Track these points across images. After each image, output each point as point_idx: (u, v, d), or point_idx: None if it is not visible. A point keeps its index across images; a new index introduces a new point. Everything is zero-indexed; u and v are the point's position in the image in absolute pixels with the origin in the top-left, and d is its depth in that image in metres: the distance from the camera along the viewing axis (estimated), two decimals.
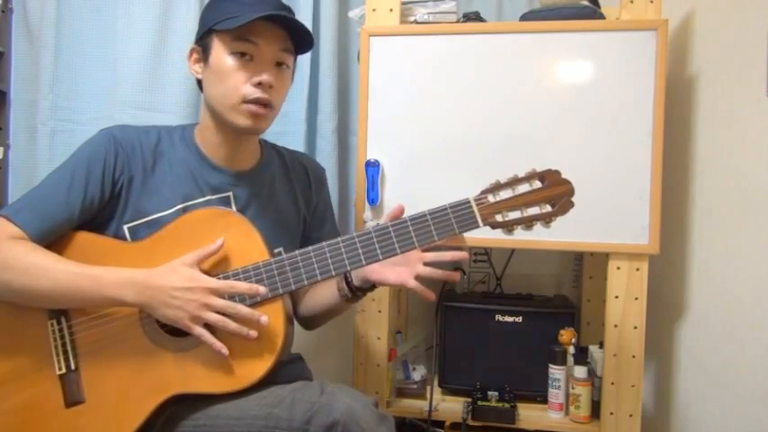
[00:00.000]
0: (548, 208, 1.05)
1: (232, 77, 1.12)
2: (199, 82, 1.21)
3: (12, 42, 1.77)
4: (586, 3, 1.53)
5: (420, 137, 1.54)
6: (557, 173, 1.06)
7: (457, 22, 1.58)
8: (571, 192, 1.05)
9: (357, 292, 1.22)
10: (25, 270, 1.03)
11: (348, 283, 1.21)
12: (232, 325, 1.04)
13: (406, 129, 1.54)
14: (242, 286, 1.05)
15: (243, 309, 1.04)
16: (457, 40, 1.52)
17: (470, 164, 1.51)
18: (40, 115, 1.73)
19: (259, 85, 1.12)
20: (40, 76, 1.73)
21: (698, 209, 1.52)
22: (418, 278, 1.15)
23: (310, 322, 1.34)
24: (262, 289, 1.05)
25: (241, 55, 1.12)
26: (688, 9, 1.59)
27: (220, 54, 1.13)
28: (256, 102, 1.13)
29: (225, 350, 1.04)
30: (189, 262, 1.05)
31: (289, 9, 1.19)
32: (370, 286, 1.21)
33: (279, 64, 1.16)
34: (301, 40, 1.18)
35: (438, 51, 1.53)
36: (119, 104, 1.72)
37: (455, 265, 1.91)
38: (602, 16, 1.54)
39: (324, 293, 1.27)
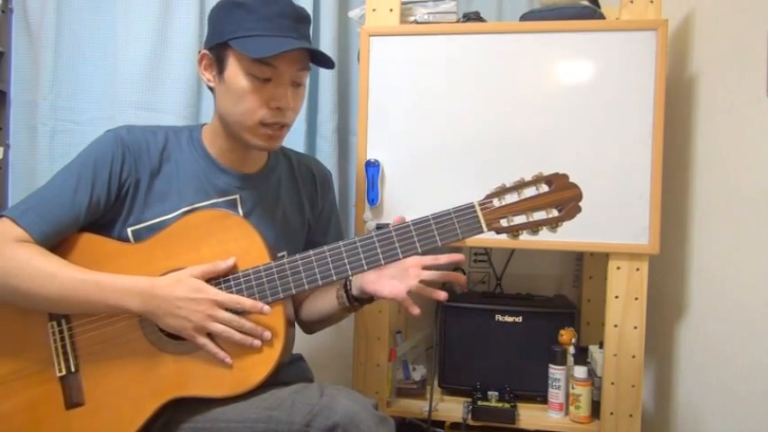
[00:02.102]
0: (554, 213, 1.03)
1: (249, 100, 1.10)
2: (209, 87, 1.19)
3: (12, 42, 1.77)
4: (586, 3, 1.53)
5: (420, 137, 1.54)
6: (564, 176, 1.04)
7: (457, 22, 1.57)
8: (579, 196, 1.03)
9: (354, 302, 1.21)
10: (30, 276, 1.02)
11: (347, 291, 1.21)
12: (236, 335, 1.04)
13: (406, 129, 1.54)
14: (247, 303, 1.05)
15: (246, 323, 1.05)
16: (457, 40, 1.52)
17: (470, 163, 1.51)
18: (40, 115, 1.73)
19: (277, 109, 1.11)
20: (40, 76, 1.73)
21: (698, 209, 1.52)
22: (415, 291, 1.12)
23: (310, 327, 1.34)
24: (266, 308, 1.05)
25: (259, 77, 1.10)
26: (688, 9, 1.59)
27: (237, 72, 1.10)
28: (275, 125, 1.12)
29: (228, 359, 1.05)
30: (196, 274, 1.05)
31: (307, 18, 1.16)
32: (369, 298, 1.20)
33: (297, 83, 1.15)
34: (318, 56, 1.16)
35: (438, 51, 1.53)
36: (119, 104, 1.72)
37: (455, 266, 1.92)
38: (602, 16, 1.54)
39: (324, 300, 1.27)
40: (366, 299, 1.20)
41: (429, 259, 1.12)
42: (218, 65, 1.13)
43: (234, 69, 1.11)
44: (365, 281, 1.15)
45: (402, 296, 1.11)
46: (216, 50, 1.13)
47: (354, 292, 1.20)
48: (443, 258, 1.13)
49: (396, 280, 1.12)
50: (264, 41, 1.07)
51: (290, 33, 1.10)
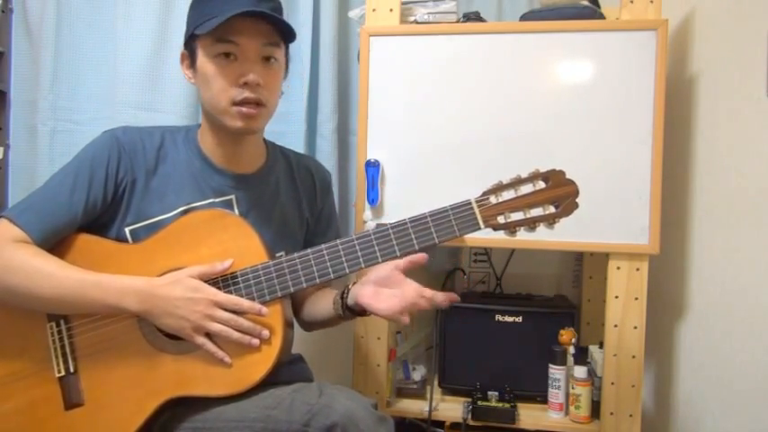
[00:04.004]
0: (551, 209, 1.04)
1: (218, 81, 1.11)
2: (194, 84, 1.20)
3: (12, 42, 1.77)
4: (586, 3, 1.53)
5: (420, 137, 1.54)
6: (561, 173, 1.04)
7: (457, 22, 1.57)
8: (576, 192, 1.04)
9: (345, 311, 1.18)
10: (28, 275, 1.03)
11: (343, 299, 1.18)
12: (235, 335, 1.04)
13: (406, 129, 1.54)
14: (245, 304, 1.05)
15: (244, 322, 1.05)
16: (457, 40, 1.52)
17: (470, 163, 1.51)
18: (40, 115, 1.73)
19: (245, 85, 1.11)
20: (40, 76, 1.73)
21: (698, 209, 1.52)
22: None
23: (309, 326, 1.34)
24: (264, 309, 1.06)
25: (225, 56, 1.10)
26: (688, 9, 1.59)
27: (204, 59, 1.12)
28: (245, 102, 1.11)
29: (227, 359, 1.05)
30: (194, 274, 1.05)
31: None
32: (361, 311, 1.15)
33: (266, 59, 1.14)
34: (287, 30, 1.14)
35: (438, 51, 1.53)
36: (119, 104, 1.72)
37: (455, 265, 1.92)
38: (602, 16, 1.54)
39: (322, 304, 1.26)
40: (358, 311, 1.17)
41: (429, 292, 1.07)
42: (192, 58, 1.15)
43: (202, 57, 1.12)
44: (361, 293, 1.12)
45: (397, 316, 1.07)
46: (188, 45, 1.16)
47: (349, 300, 1.17)
48: (431, 294, 1.07)
49: (394, 298, 1.08)
50: (216, 20, 1.07)
51: (249, 7, 1.08)
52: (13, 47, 1.77)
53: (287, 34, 1.15)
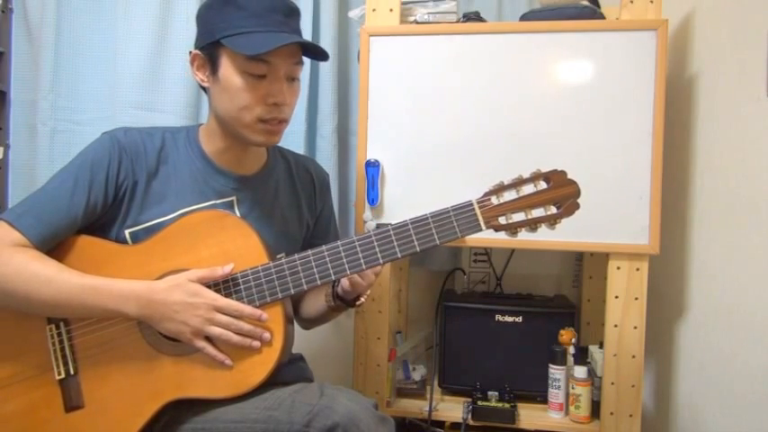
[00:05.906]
0: (553, 209, 1.03)
1: (245, 97, 1.10)
2: (203, 87, 1.18)
3: (12, 42, 1.78)
4: (586, 3, 1.53)
5: (420, 137, 1.54)
6: (562, 173, 1.04)
7: (457, 22, 1.57)
8: (577, 193, 1.03)
9: (336, 299, 1.20)
10: (26, 280, 1.02)
11: (334, 287, 1.20)
12: (235, 338, 1.04)
13: (406, 129, 1.54)
14: (246, 310, 1.05)
15: (245, 326, 1.05)
16: (457, 40, 1.52)
17: (470, 163, 1.51)
18: (40, 115, 1.73)
19: (274, 105, 1.11)
20: (40, 76, 1.73)
21: (698, 209, 1.52)
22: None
23: (306, 324, 1.35)
24: (264, 315, 1.05)
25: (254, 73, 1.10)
26: (688, 9, 1.59)
27: (231, 71, 1.10)
28: (273, 120, 1.12)
29: (228, 361, 1.05)
30: (193, 279, 1.04)
31: (297, 11, 1.16)
32: (352, 300, 1.20)
33: (291, 79, 1.15)
34: (311, 49, 1.15)
35: (438, 51, 1.53)
36: (119, 104, 1.72)
37: (455, 265, 1.92)
38: (602, 16, 1.54)
39: (318, 299, 1.27)
40: (349, 300, 1.20)
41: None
42: (211, 64, 1.13)
43: (228, 68, 1.10)
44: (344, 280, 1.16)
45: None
46: (208, 50, 1.12)
47: (339, 290, 1.20)
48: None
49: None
50: (257, 38, 1.07)
51: (282, 28, 1.10)
52: (13, 47, 1.77)
53: (316, 55, 1.16)
